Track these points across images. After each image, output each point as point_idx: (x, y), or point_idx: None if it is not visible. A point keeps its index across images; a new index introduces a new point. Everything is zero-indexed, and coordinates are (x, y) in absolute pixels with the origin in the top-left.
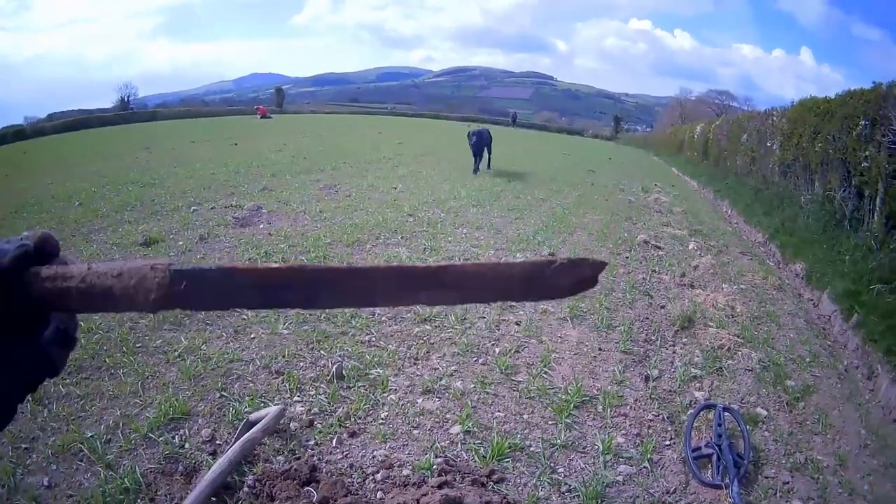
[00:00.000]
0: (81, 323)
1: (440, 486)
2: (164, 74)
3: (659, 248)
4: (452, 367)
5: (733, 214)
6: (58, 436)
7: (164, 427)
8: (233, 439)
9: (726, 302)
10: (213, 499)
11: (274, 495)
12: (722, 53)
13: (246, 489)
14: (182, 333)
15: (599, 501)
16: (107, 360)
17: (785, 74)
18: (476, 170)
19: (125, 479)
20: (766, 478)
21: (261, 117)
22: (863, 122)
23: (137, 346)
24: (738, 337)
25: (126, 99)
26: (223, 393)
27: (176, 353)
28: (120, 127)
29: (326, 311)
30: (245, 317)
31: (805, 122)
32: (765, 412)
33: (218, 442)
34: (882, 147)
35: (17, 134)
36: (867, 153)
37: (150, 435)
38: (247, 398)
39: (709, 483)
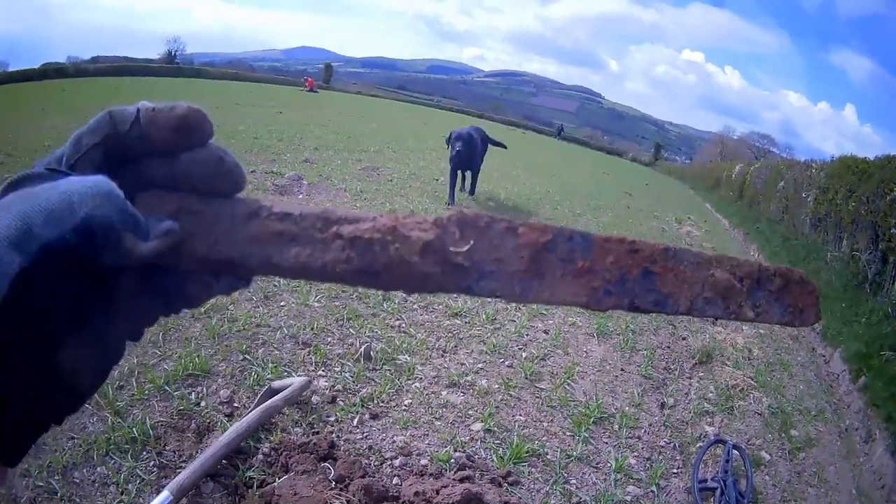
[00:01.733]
0: None
1: (461, 481)
2: (213, 34)
3: None
4: (479, 365)
5: (760, 259)
6: None
7: (181, 382)
8: (253, 404)
9: (744, 344)
10: (224, 461)
11: (289, 466)
12: (769, 97)
13: (260, 456)
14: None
15: None
16: None
17: (827, 128)
18: (452, 196)
19: (133, 429)
20: None
21: (308, 90)
22: None
23: None
24: (752, 379)
25: (173, 53)
26: (246, 356)
27: (202, 310)
28: (164, 79)
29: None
30: (276, 283)
31: (842, 179)
32: (768, 456)
33: (236, 405)
34: None
35: (58, 71)
36: None
37: (166, 388)
38: (270, 365)
39: None
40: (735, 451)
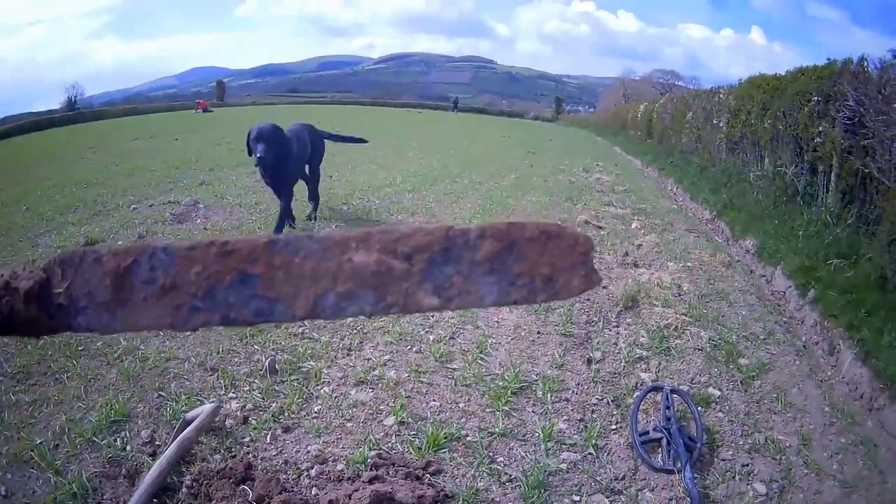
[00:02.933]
0: None
1: (371, 482)
2: (111, 72)
3: (600, 228)
4: (386, 357)
5: (678, 192)
6: (11, 444)
7: (106, 430)
8: (170, 439)
9: (672, 280)
10: (155, 500)
11: (211, 495)
12: (667, 34)
13: (184, 490)
14: (121, 334)
15: (542, 491)
16: (52, 364)
17: (733, 54)
18: (281, 224)
19: (73, 485)
20: (723, 460)
21: (203, 111)
22: (815, 98)
23: (80, 349)
24: (686, 315)
25: (73, 99)
26: (160, 393)
27: (115, 355)
28: (68, 128)
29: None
30: None
31: (753, 99)
32: (717, 392)
33: (157, 443)
34: (836, 123)
35: None
36: (821, 129)
37: (94, 439)
38: (183, 397)
39: (659, 468)
40: (675, 396)
